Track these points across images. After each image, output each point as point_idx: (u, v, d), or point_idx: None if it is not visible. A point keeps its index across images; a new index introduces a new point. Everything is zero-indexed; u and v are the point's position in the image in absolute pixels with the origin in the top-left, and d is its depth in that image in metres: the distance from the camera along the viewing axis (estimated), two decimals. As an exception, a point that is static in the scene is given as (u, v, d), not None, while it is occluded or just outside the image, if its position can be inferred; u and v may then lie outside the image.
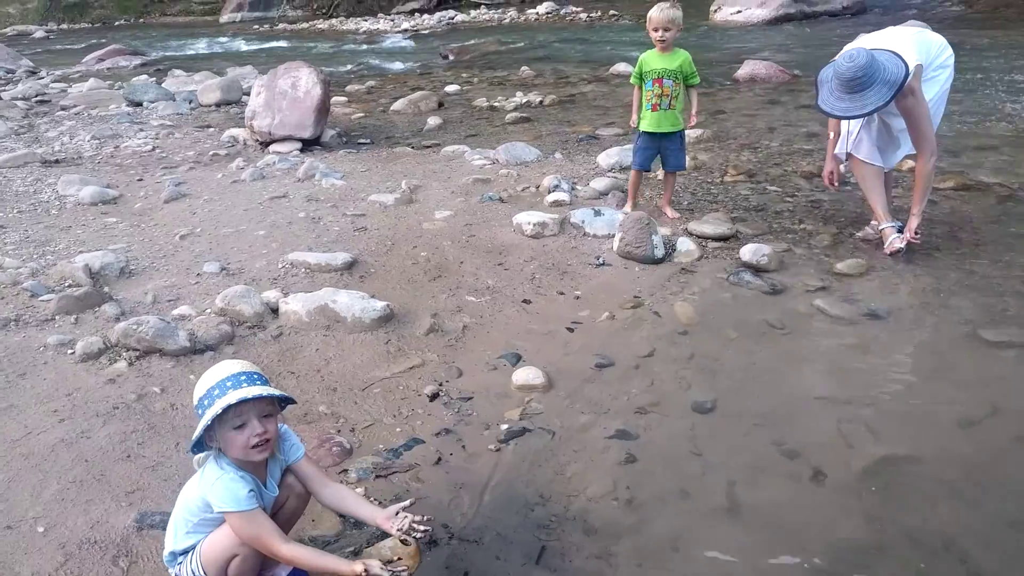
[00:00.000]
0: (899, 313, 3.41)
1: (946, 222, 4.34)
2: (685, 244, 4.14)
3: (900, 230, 3.93)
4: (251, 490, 1.82)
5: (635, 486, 2.42)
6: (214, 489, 1.81)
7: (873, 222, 4.15)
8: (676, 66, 4.32)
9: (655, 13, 4.27)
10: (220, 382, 1.81)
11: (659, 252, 4.03)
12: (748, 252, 3.91)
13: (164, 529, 1.96)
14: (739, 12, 14.85)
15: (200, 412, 1.82)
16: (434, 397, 2.92)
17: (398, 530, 1.86)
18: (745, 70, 9.11)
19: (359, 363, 3.14)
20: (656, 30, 4.27)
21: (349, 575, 1.76)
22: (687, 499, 2.36)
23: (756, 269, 3.84)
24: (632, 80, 4.53)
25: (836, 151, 4.18)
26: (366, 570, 1.75)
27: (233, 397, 1.78)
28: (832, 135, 4.17)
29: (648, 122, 4.42)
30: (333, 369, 3.10)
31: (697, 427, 2.71)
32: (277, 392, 1.89)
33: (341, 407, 2.85)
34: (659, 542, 2.19)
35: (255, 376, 1.86)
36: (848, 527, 2.22)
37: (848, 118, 3.82)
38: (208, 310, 3.44)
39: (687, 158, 4.72)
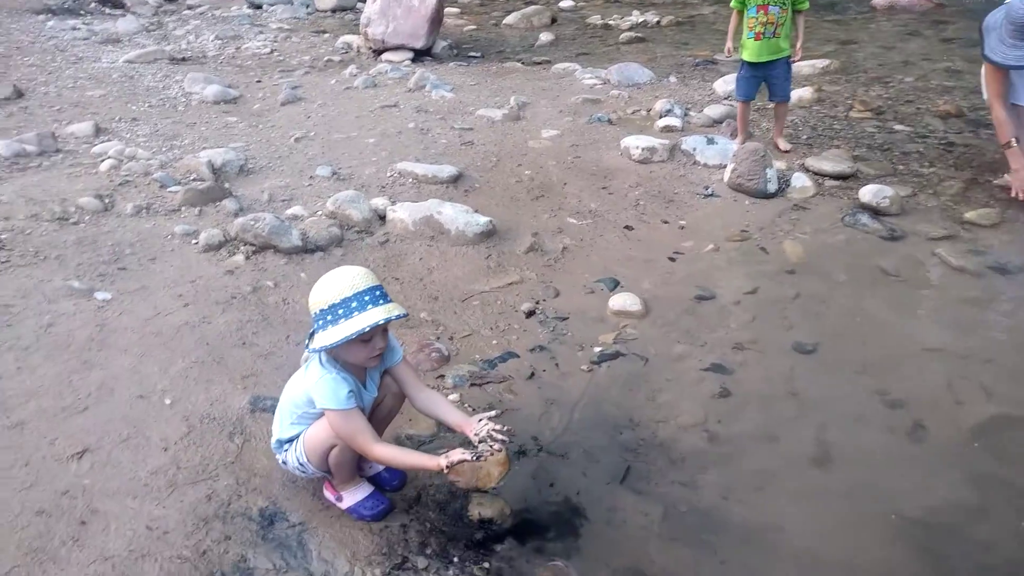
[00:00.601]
0: (1031, 270, 3.17)
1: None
2: (800, 180, 3.95)
3: None
4: (351, 391, 1.90)
5: (726, 420, 2.42)
6: (318, 386, 1.90)
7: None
8: None
9: None
10: (358, 295, 1.83)
11: (772, 186, 3.87)
12: (868, 193, 3.70)
13: (273, 413, 2.10)
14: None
15: (329, 316, 1.84)
16: (530, 314, 2.96)
17: (475, 435, 1.91)
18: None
19: (460, 275, 3.20)
20: None
21: (435, 468, 1.86)
22: (779, 439, 2.34)
23: (875, 212, 3.63)
24: (733, 4, 4.25)
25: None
26: (449, 462, 1.82)
27: (377, 316, 1.81)
28: (1011, 143, 3.64)
29: (751, 51, 4.20)
30: (435, 278, 3.18)
31: (796, 368, 2.65)
32: (404, 312, 1.91)
33: (441, 315, 2.94)
34: (746, 478, 2.19)
35: (382, 292, 1.88)
36: (946, 485, 2.15)
37: (1022, 68, 3.43)
38: (319, 212, 3.57)
39: (792, 89, 4.46)
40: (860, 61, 6.27)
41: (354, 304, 1.83)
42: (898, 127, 4.76)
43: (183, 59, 6.65)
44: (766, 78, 4.27)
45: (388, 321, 1.84)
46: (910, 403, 2.45)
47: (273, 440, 2.07)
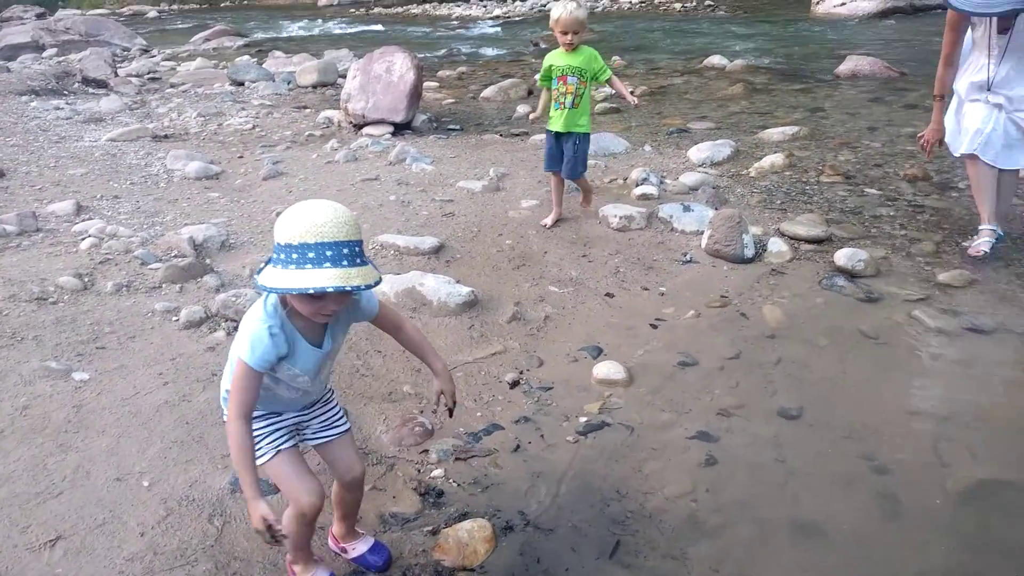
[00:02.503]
0: (1005, 328, 3.23)
1: (1063, 235, 4.08)
2: (777, 244, 4.03)
3: (1000, 239, 3.76)
4: (272, 356, 1.67)
5: (714, 489, 2.39)
6: (242, 330, 1.70)
7: (983, 226, 3.94)
8: (580, 62, 4.08)
9: (562, 14, 3.96)
10: (319, 247, 1.53)
11: (749, 252, 3.94)
12: (843, 256, 3.78)
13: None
14: (843, 4, 14.25)
15: (283, 255, 1.55)
16: (515, 384, 2.95)
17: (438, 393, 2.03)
18: (847, 66, 8.74)
19: (443, 346, 3.20)
20: (565, 33, 4.00)
21: (251, 510, 1.62)
22: (767, 507, 2.32)
23: (851, 275, 3.70)
24: (540, 82, 4.29)
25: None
26: (260, 523, 1.60)
27: (327, 281, 1.52)
28: (938, 97, 3.92)
29: (553, 120, 4.22)
30: (418, 351, 3.16)
31: (782, 434, 2.65)
32: (374, 281, 1.62)
33: (425, 388, 2.92)
34: (735, 550, 2.16)
35: (352, 251, 1.58)
36: (939, 552, 2.13)
37: (979, 14, 3.49)
38: (301, 286, 3.57)
39: (584, 170, 4.38)
40: (828, 127, 6.49)
41: (310, 255, 1.53)
42: (868, 190, 4.89)
43: (165, 136, 6.73)
44: (563, 152, 4.24)
45: (341, 291, 1.56)
46: (896, 468, 2.45)
47: (222, 391, 1.89)
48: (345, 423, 2.04)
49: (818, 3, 15.01)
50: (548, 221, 4.37)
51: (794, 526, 2.24)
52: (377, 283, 1.62)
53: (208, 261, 3.89)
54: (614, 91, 4.32)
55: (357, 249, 1.59)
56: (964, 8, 3.48)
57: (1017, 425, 2.66)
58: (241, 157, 6.06)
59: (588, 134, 4.28)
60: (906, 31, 12.50)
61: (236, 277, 3.72)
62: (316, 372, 1.83)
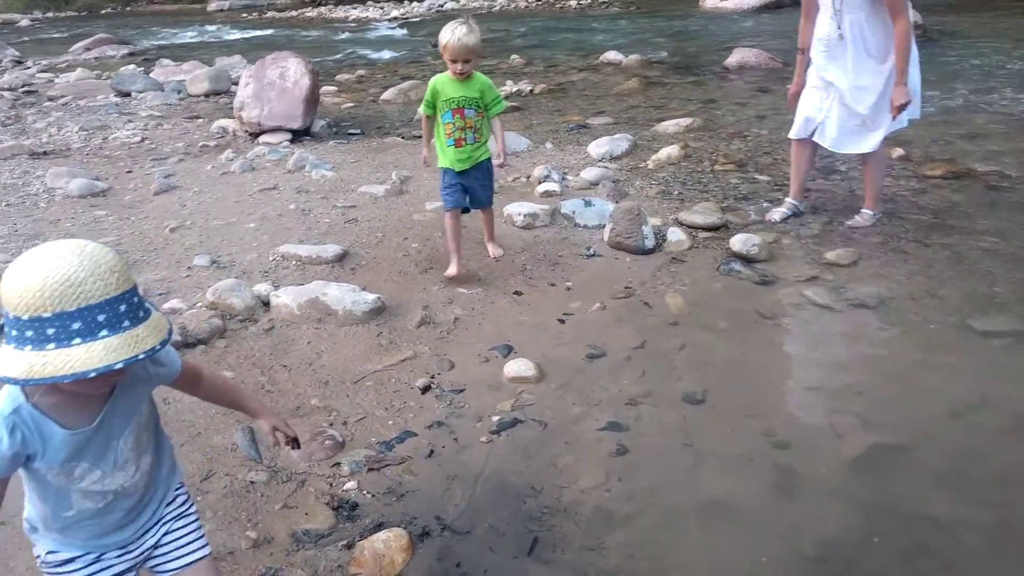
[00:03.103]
0: (889, 303, 3.42)
1: (936, 210, 4.36)
2: (676, 234, 4.15)
3: (798, 214, 4.33)
4: (7, 459, 1.26)
5: (626, 477, 2.44)
6: None
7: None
8: (476, 92, 3.56)
9: (450, 40, 3.38)
10: (86, 311, 1.14)
11: (649, 242, 4.04)
12: (738, 242, 3.93)
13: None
14: (729, -1, 14.82)
15: (29, 331, 1.14)
16: (426, 390, 2.93)
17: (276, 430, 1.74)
18: (735, 58, 9.10)
19: (351, 356, 3.14)
20: (455, 61, 3.44)
21: None
22: (677, 491, 2.38)
23: (746, 259, 3.85)
24: (423, 109, 3.66)
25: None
26: None
27: (118, 351, 1.15)
28: (800, 50, 4.14)
29: (452, 158, 3.64)
30: (325, 362, 3.10)
31: (688, 418, 2.73)
32: (168, 329, 1.26)
33: (333, 400, 2.86)
34: (650, 533, 2.21)
35: (135, 299, 1.21)
36: (838, 517, 2.24)
37: None
38: (199, 303, 3.44)
39: (494, 192, 3.90)
40: (719, 118, 6.73)
41: (76, 326, 1.14)
42: (759, 177, 5.10)
43: (44, 153, 6.34)
44: (469, 186, 3.72)
45: (130, 363, 1.17)
46: (794, 442, 2.56)
47: None
48: (202, 545, 1.57)
49: (706, -2, 15.56)
50: (454, 271, 3.74)
51: (702, 507, 2.31)
52: (170, 334, 1.27)
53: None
54: (493, 131, 3.73)
55: (135, 299, 1.21)
56: None
57: (899, 392, 2.82)
58: (130, 172, 5.78)
59: (490, 157, 3.78)
60: (789, 23, 13.02)
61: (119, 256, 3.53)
62: (111, 460, 1.37)
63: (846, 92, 3.89)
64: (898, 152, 5.26)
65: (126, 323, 1.18)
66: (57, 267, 1.14)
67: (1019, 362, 2.95)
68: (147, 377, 1.42)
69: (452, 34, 3.39)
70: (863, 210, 4.21)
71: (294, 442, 1.79)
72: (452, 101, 3.55)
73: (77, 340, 1.14)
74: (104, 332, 1.15)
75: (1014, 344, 3.06)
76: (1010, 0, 12.61)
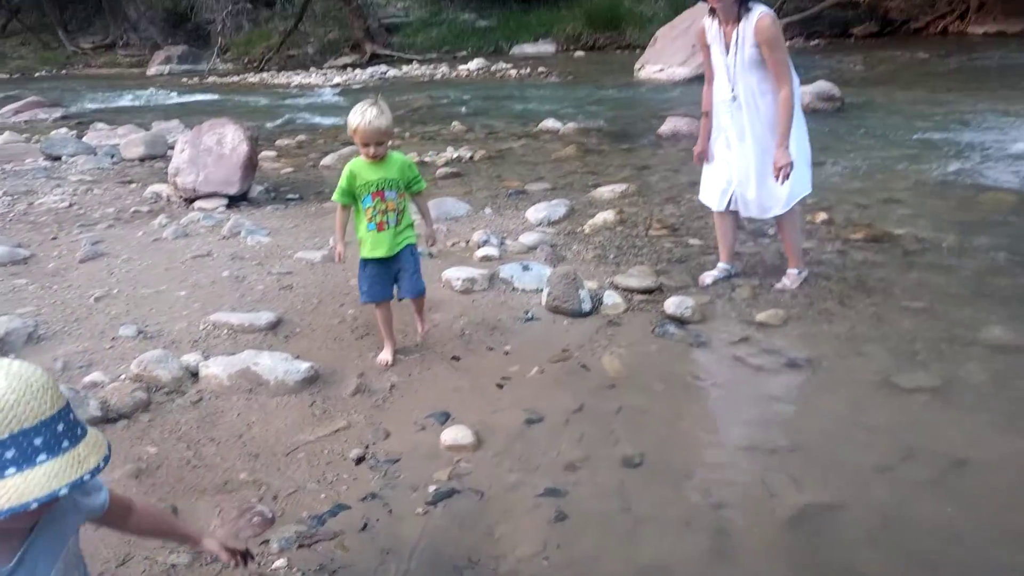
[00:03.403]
0: (817, 362, 3.52)
1: (858, 272, 4.54)
2: (612, 297, 4.21)
3: (729, 275, 4.46)
4: None
5: (565, 544, 2.41)
6: None
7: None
8: (395, 173, 3.40)
9: (361, 124, 3.22)
10: (20, 436, 1.07)
11: (586, 306, 4.09)
12: (672, 305, 4.01)
13: None
14: (661, 70, 15.46)
15: None
16: (360, 460, 2.85)
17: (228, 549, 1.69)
18: (668, 126, 9.45)
19: (283, 427, 3.05)
20: (367, 145, 3.29)
21: None
22: (616, 557, 2.35)
23: (680, 321, 3.92)
24: (336, 198, 3.46)
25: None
26: None
27: (60, 475, 1.08)
28: (704, 113, 4.30)
29: (373, 245, 3.43)
30: (255, 434, 3.00)
31: (626, 482, 2.72)
32: (107, 445, 1.21)
33: (263, 474, 2.76)
34: (589, 603, 2.17)
35: (71, 417, 1.15)
36: (773, 578, 2.25)
37: None
38: (123, 376, 3.31)
39: (423, 281, 3.64)
40: (653, 183, 6.94)
41: (9, 454, 1.06)
42: (692, 241, 5.25)
43: (-36, 220, 6.11)
44: (396, 273, 3.54)
45: (61, 494, 1.09)
46: (731, 503, 2.58)
47: None
48: None
49: (640, 69, 16.20)
50: (388, 358, 3.56)
51: (641, 572, 2.29)
52: (110, 449, 1.20)
53: (13, 357, 3.51)
54: (419, 212, 3.64)
55: (70, 416, 1.14)
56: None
57: (829, 450, 2.88)
58: (55, 239, 5.60)
59: (415, 242, 3.60)
60: (717, 94, 13.71)
61: (47, 371, 3.38)
62: None
63: (748, 156, 4.08)
64: (822, 216, 5.50)
65: (65, 443, 1.10)
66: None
67: (939, 417, 3.06)
68: (73, 507, 1.30)
69: (362, 117, 3.22)
70: (788, 270, 4.37)
71: (246, 556, 1.75)
72: (371, 184, 3.37)
73: (12, 469, 1.05)
74: (42, 456, 1.07)
75: (933, 400, 3.17)
76: (917, 75, 13.54)
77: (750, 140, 4.08)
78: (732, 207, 4.32)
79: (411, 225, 3.56)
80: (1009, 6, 18.85)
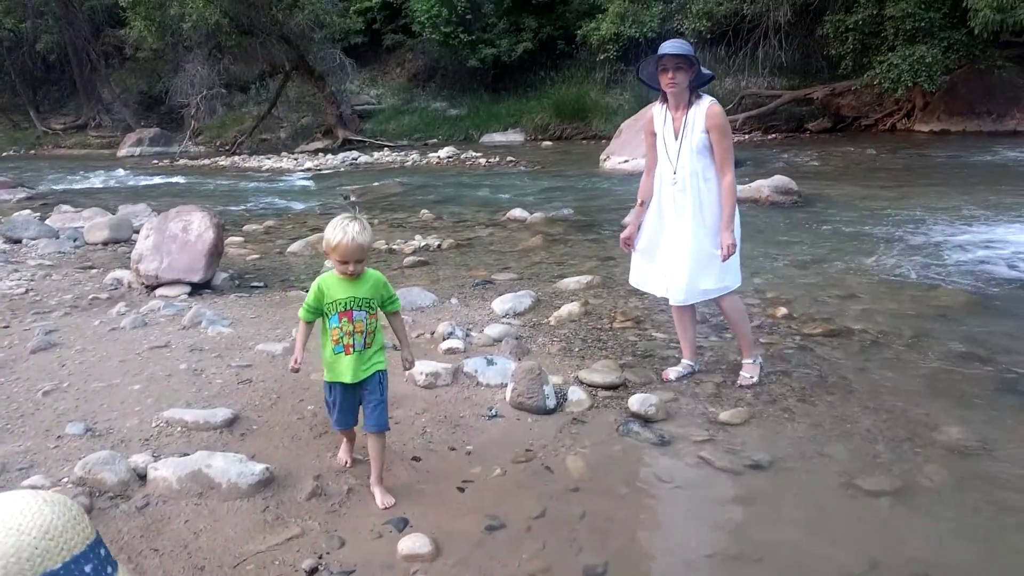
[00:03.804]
0: (780, 463, 3.50)
1: (819, 368, 4.59)
2: (576, 393, 4.19)
3: (692, 372, 4.50)
4: None
5: (524, 668, 2.30)
6: None
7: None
8: (367, 292, 3.13)
9: (343, 240, 2.96)
10: (70, 563, 0.99)
11: (551, 402, 4.06)
12: (636, 402, 3.99)
13: None
14: (626, 161, 15.95)
15: None
16: (312, 572, 2.73)
17: None
18: (631, 217, 9.67)
19: (232, 535, 2.92)
20: (345, 262, 3.03)
21: None
22: None
23: (645, 419, 3.90)
24: (302, 314, 3.16)
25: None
26: None
27: None
28: (640, 202, 4.45)
29: (340, 369, 3.13)
30: (202, 543, 2.86)
31: (588, 595, 2.63)
32: None
33: (208, 588, 2.62)
34: None
35: (105, 547, 1.08)
36: None
37: (664, 56, 4.06)
38: (65, 479, 3.16)
39: (387, 416, 3.29)
40: (618, 275, 7.01)
41: None
42: (656, 334, 5.29)
43: (-87, 305, 5.94)
44: (361, 399, 3.22)
45: None
46: (695, 618, 2.50)
47: None
48: None
49: (605, 160, 16.71)
50: (346, 458, 3.44)
51: None
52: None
53: (-50, 456, 3.35)
54: (393, 334, 3.38)
55: (103, 542, 1.08)
56: (641, 77, 4.28)
57: (794, 558, 2.83)
58: (7, 327, 5.45)
59: (385, 368, 3.25)
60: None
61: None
62: None
63: (685, 237, 4.19)
64: (782, 311, 5.60)
65: (109, 569, 1.05)
66: (30, 518, 0.98)
67: (902, 521, 3.04)
68: None
69: (344, 233, 2.96)
70: (743, 362, 4.40)
71: None
72: (339, 303, 3.09)
73: None
74: None
75: (896, 503, 3.16)
76: (868, 170, 14.15)
77: (689, 223, 4.19)
78: (647, 289, 4.52)
79: (382, 349, 3.23)
80: (951, 107, 20.02)
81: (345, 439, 3.45)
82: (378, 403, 3.19)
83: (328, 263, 3.22)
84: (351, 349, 3.12)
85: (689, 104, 4.14)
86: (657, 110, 4.33)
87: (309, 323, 3.19)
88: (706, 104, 4.13)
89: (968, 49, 17.98)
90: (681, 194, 4.20)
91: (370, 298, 3.15)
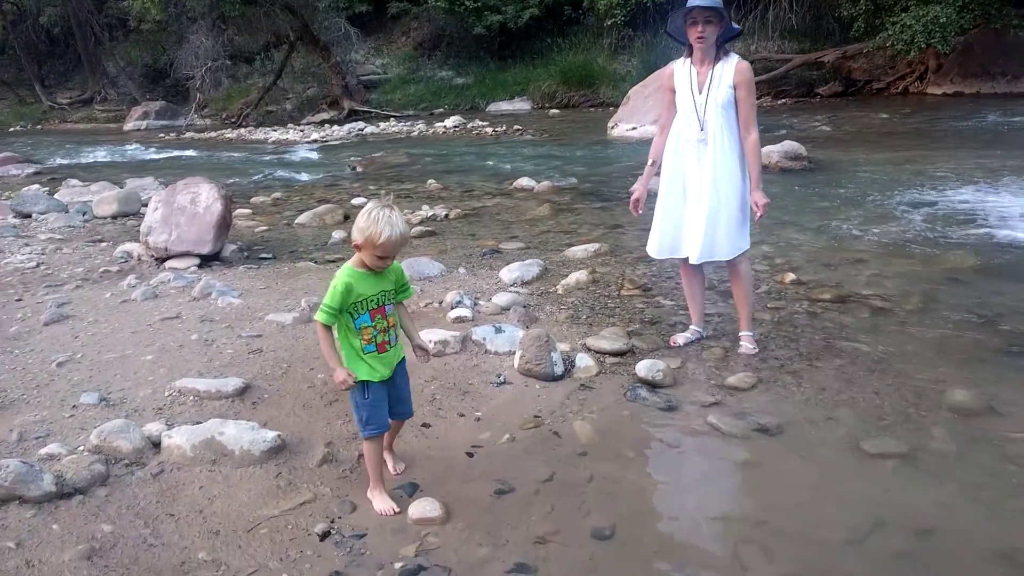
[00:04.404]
0: (787, 427, 3.52)
1: (827, 333, 4.59)
2: (584, 360, 4.21)
3: (700, 338, 4.50)
4: None
5: (533, 626, 2.34)
6: None
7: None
8: (392, 283, 2.95)
9: (392, 235, 2.72)
10: None
11: (559, 369, 4.08)
12: (643, 368, 4.01)
13: None
14: (634, 128, 15.81)
15: None
16: (325, 536, 2.78)
17: None
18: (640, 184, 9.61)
19: (246, 501, 2.97)
20: (384, 257, 2.81)
21: None
22: (586, 638, 2.30)
23: (652, 385, 3.92)
24: (324, 319, 2.85)
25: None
26: None
27: None
28: (651, 162, 4.39)
29: (376, 367, 2.91)
30: (217, 508, 2.92)
31: (596, 556, 2.67)
32: None
33: (223, 552, 2.67)
34: None
35: None
36: (745, 659, 2.20)
37: (693, 8, 3.97)
38: (81, 447, 3.22)
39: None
40: (626, 243, 7.01)
41: None
42: (664, 301, 5.29)
43: (-73, 280, 6.00)
44: (390, 393, 3.02)
45: None
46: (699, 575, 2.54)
47: None
48: None
49: (613, 127, 16.56)
50: (390, 508, 2.96)
51: (611, 656, 2.23)
52: None
53: (-32, 426, 3.42)
54: (404, 322, 3.10)
55: None
56: (668, 31, 4.21)
57: (800, 520, 2.86)
58: (20, 300, 5.51)
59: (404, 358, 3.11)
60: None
61: (1, 443, 3.28)
62: None
63: (705, 194, 4.14)
64: (791, 277, 5.58)
65: None
66: None
67: (907, 485, 3.06)
68: None
69: (391, 227, 2.70)
70: (741, 333, 4.38)
71: None
72: (371, 300, 2.86)
73: None
74: None
75: (901, 466, 3.18)
76: (879, 135, 13.97)
77: (710, 179, 4.13)
78: (676, 254, 4.40)
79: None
80: (965, 68, 19.67)
81: (376, 455, 3.03)
82: (405, 389, 3.11)
83: (350, 258, 2.97)
84: (387, 346, 2.94)
85: (716, 59, 4.09)
86: (679, 65, 4.24)
87: (331, 328, 2.90)
88: (734, 60, 4.08)
89: (983, 8, 17.58)
90: (704, 148, 4.13)
91: (395, 289, 2.97)
